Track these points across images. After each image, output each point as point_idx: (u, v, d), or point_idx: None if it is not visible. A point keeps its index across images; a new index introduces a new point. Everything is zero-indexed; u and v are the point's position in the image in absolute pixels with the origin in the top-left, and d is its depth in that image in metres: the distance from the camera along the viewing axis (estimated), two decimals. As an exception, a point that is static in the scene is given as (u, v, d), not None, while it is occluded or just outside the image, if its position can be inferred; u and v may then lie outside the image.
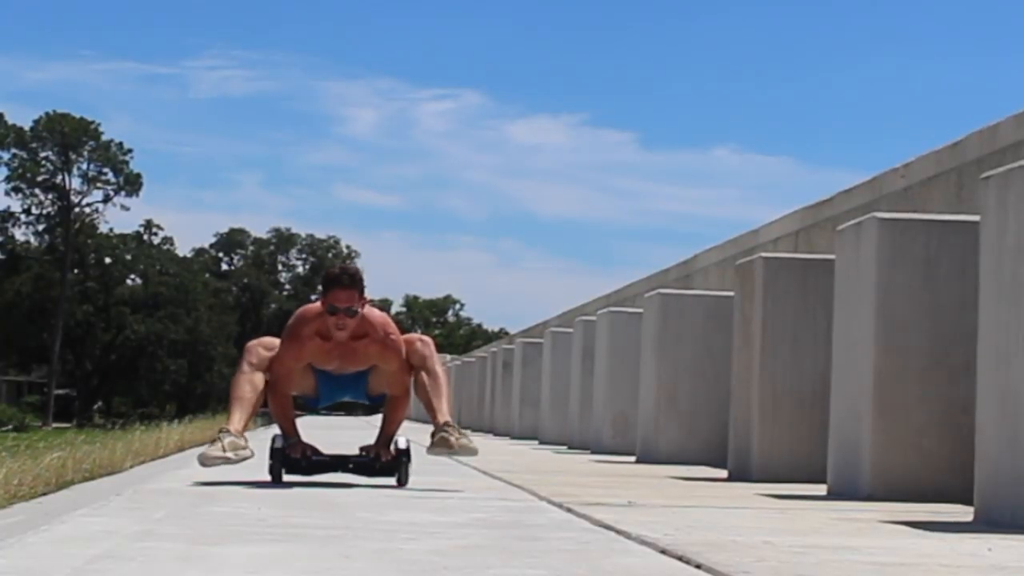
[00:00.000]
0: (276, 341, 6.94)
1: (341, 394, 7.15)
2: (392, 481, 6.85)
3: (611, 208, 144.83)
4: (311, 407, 7.21)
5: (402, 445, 6.90)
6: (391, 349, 6.87)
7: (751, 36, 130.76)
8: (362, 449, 7.06)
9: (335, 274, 6.79)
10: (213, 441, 6.58)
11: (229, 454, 6.50)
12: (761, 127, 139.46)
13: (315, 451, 6.91)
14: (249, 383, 6.80)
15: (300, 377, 6.97)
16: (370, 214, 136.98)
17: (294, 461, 6.82)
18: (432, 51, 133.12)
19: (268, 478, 6.79)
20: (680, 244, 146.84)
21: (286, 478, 6.79)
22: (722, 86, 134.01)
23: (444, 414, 6.77)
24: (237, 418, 6.69)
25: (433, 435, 6.76)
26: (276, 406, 6.96)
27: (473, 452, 6.78)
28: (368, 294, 6.85)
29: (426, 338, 7.08)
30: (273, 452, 6.79)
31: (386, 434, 7.05)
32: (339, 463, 6.93)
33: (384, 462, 6.90)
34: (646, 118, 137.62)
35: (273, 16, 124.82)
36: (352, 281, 6.72)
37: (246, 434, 6.71)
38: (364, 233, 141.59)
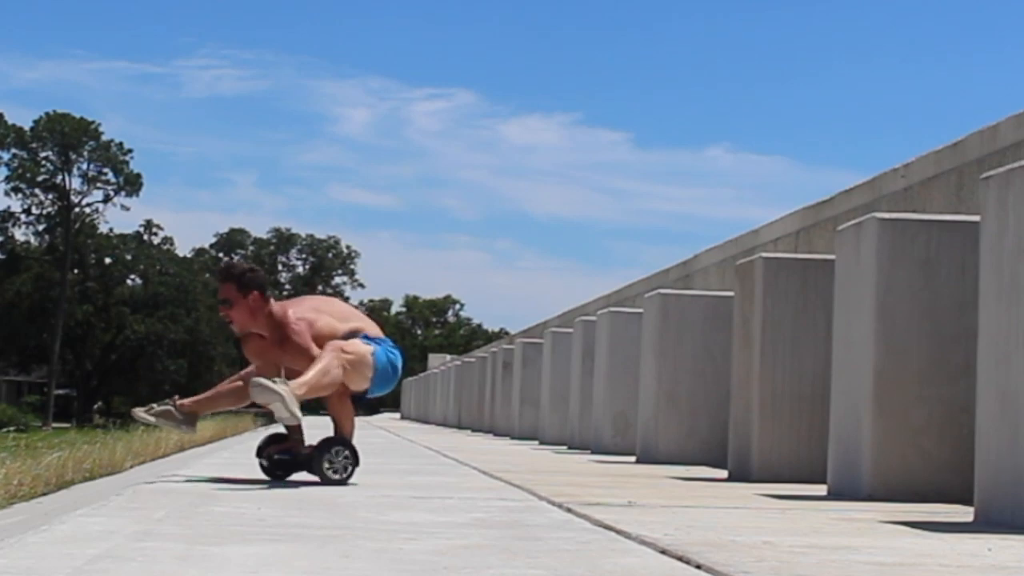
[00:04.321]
0: None
1: None
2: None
3: (606, 208, 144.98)
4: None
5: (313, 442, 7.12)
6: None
7: (745, 35, 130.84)
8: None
9: None
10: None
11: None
12: (755, 127, 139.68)
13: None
14: None
15: None
16: (366, 213, 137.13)
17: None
18: (424, 50, 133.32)
19: (266, 477, 6.94)
20: (676, 244, 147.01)
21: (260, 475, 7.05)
22: (715, 85, 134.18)
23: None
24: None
25: None
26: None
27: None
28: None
29: None
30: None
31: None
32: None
33: (305, 456, 7.05)
34: (640, 117, 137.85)
35: (265, 16, 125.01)
36: None
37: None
38: (360, 232, 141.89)
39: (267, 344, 6.99)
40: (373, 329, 7.18)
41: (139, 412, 7.31)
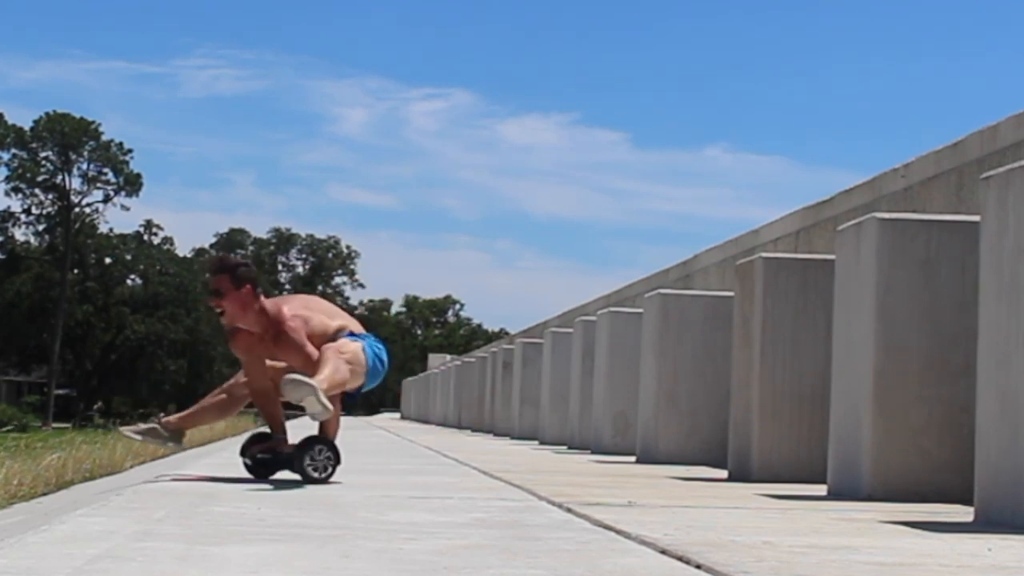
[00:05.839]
0: None
1: None
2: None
3: (606, 208, 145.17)
4: None
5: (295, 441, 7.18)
6: None
7: (744, 35, 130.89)
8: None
9: None
10: None
11: None
12: (754, 126, 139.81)
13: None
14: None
15: None
16: (365, 213, 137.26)
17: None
18: (422, 50, 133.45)
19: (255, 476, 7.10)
20: (675, 243, 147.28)
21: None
22: (714, 85, 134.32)
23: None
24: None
25: None
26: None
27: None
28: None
29: None
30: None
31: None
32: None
33: (287, 455, 7.12)
34: (638, 117, 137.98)
35: (263, 16, 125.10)
36: None
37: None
38: (359, 232, 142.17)
39: (256, 340, 7.07)
40: (356, 326, 7.32)
41: (126, 430, 7.53)
